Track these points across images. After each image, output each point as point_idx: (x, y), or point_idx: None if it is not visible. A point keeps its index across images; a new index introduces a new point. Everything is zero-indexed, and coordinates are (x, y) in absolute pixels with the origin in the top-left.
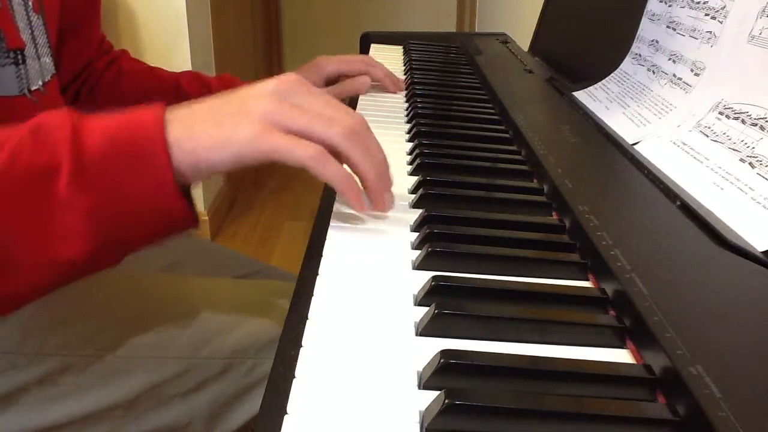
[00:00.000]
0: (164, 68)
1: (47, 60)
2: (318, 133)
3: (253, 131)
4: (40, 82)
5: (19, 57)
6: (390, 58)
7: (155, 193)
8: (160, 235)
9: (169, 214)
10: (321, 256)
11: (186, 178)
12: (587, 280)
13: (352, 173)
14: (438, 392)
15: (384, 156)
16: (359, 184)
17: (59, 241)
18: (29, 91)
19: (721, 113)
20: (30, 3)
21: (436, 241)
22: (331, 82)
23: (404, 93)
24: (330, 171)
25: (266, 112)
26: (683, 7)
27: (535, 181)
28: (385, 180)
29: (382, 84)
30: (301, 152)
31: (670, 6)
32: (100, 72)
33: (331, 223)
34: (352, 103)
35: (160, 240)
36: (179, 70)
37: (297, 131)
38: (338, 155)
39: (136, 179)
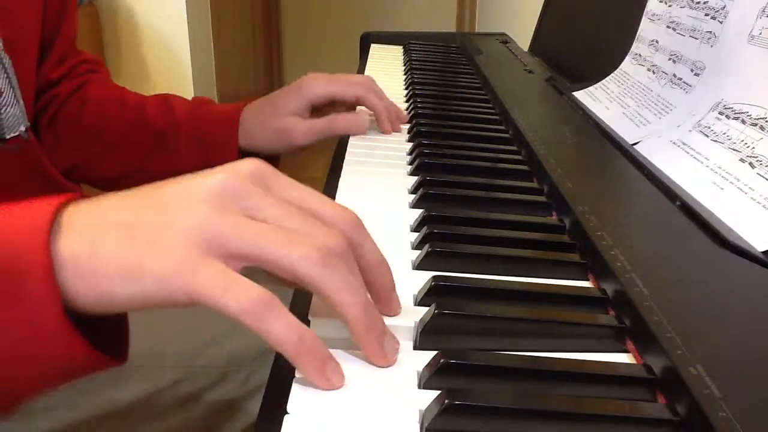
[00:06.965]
0: (163, 67)
1: (24, 103)
2: (271, 258)
3: (174, 262)
4: (23, 128)
5: None
6: (390, 58)
7: (33, 335)
8: (59, 381)
9: (62, 359)
10: None
11: (91, 309)
12: (587, 280)
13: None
14: (438, 392)
15: (384, 273)
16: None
17: None
18: (3, 140)
19: (721, 113)
20: (0, 43)
21: (436, 241)
22: (319, 108)
23: (404, 93)
24: (272, 332)
25: (200, 228)
26: (683, 7)
27: (535, 181)
28: (392, 306)
29: (377, 118)
30: (232, 302)
31: (670, 6)
32: (62, 99)
33: None
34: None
35: (66, 382)
36: (177, 67)
37: (241, 256)
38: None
39: (4, 314)
